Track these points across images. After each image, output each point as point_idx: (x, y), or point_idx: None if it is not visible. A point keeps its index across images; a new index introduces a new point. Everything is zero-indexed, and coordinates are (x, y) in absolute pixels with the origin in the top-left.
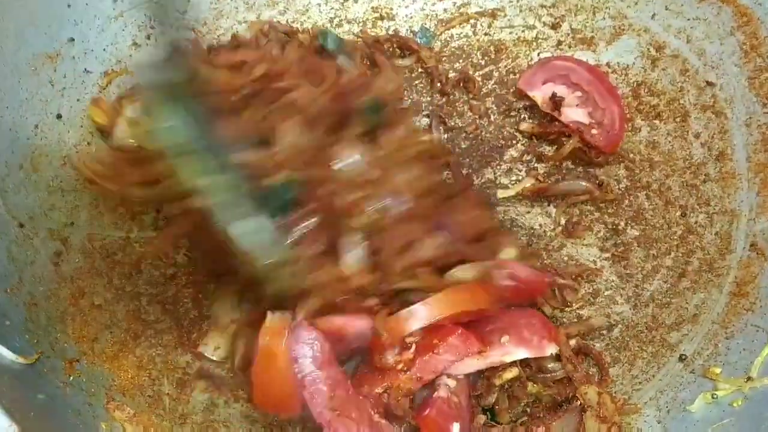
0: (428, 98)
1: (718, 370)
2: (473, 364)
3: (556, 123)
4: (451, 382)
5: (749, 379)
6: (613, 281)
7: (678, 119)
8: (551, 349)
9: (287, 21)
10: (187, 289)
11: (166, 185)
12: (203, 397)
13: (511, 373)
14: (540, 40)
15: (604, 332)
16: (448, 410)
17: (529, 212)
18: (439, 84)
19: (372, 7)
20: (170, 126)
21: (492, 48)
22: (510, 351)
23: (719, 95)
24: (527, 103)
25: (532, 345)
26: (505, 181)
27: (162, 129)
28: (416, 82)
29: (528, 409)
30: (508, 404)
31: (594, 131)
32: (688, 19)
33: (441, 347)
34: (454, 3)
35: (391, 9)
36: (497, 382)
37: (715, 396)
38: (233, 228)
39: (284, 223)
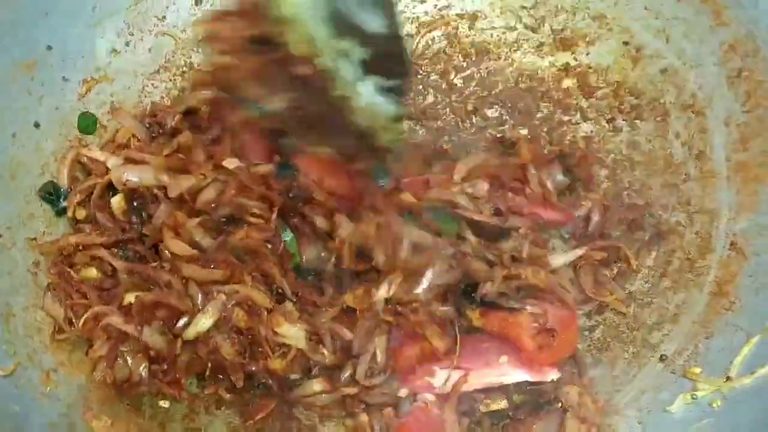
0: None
1: (698, 371)
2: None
3: None
4: (430, 397)
5: (728, 379)
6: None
7: (658, 119)
8: (553, 375)
9: None
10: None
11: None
12: (183, 405)
13: (498, 405)
14: (521, 41)
15: (586, 333)
16: (426, 421)
17: None
18: None
19: None
20: None
21: (473, 50)
22: (508, 372)
23: (699, 95)
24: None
25: (532, 368)
26: None
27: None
28: None
29: (510, 413)
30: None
31: None
32: (668, 19)
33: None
34: (435, 5)
35: None
36: (482, 409)
37: (694, 396)
38: (359, 85)
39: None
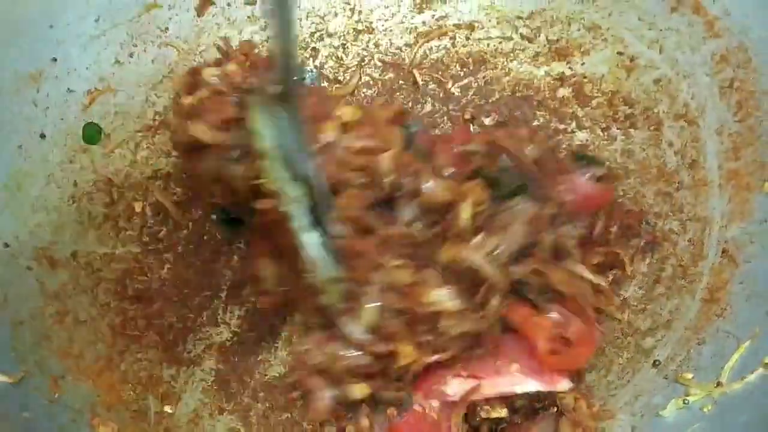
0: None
1: (689, 376)
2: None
3: None
4: (434, 403)
5: (719, 384)
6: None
7: (652, 128)
8: (565, 385)
9: (268, 36)
10: (172, 303)
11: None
12: (188, 409)
13: (499, 414)
14: (517, 51)
15: None
16: (420, 424)
17: None
18: None
19: (352, 21)
20: (263, 130)
21: (470, 59)
22: (520, 381)
23: (691, 104)
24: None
25: (544, 378)
26: None
27: (257, 131)
28: (397, 94)
29: (506, 417)
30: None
31: None
32: (661, 30)
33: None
34: (433, 16)
35: (371, 23)
36: (483, 414)
37: (686, 401)
38: (305, 236)
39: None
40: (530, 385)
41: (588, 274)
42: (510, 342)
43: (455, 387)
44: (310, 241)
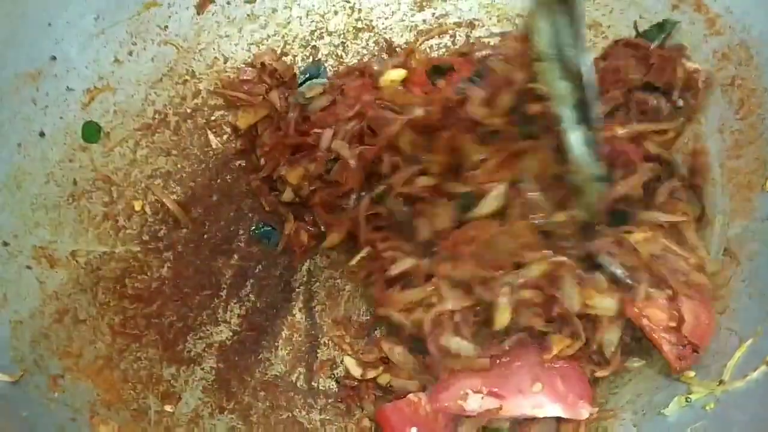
0: None
1: (692, 374)
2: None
3: None
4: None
5: (721, 382)
6: None
7: None
8: (586, 412)
9: (268, 35)
10: (172, 302)
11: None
12: (188, 409)
13: (501, 426)
14: None
15: None
16: (408, 414)
17: None
18: None
19: (352, 19)
20: (540, 32)
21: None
22: (542, 404)
23: (693, 102)
24: None
25: (566, 402)
26: None
27: (535, 34)
28: None
29: None
30: None
31: None
32: None
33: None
34: (433, 14)
35: (371, 21)
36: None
37: (689, 399)
38: (573, 133)
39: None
40: (552, 410)
41: (666, 217)
42: (532, 356)
43: (474, 403)
44: (576, 139)
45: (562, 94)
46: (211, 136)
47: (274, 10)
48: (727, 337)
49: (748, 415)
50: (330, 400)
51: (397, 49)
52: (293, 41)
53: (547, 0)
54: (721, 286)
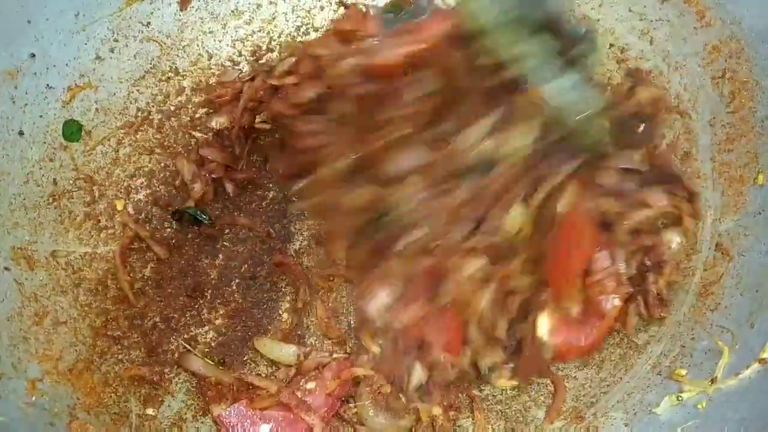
0: None
1: (683, 372)
2: None
3: None
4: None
5: (713, 380)
6: None
7: None
8: None
9: (253, 31)
10: (155, 303)
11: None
12: (171, 412)
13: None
14: None
15: None
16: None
17: None
18: None
19: (338, 15)
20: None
21: None
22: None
23: (683, 96)
24: None
25: None
26: None
27: (479, 7)
28: None
29: None
30: None
31: None
32: (652, 21)
33: None
34: None
35: None
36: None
37: (680, 398)
38: (548, 88)
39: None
40: None
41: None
42: None
43: None
44: (565, 85)
45: (530, 52)
46: (196, 134)
47: (259, 6)
48: (719, 335)
49: (740, 414)
50: None
51: None
52: (279, 37)
53: None
54: (713, 282)
